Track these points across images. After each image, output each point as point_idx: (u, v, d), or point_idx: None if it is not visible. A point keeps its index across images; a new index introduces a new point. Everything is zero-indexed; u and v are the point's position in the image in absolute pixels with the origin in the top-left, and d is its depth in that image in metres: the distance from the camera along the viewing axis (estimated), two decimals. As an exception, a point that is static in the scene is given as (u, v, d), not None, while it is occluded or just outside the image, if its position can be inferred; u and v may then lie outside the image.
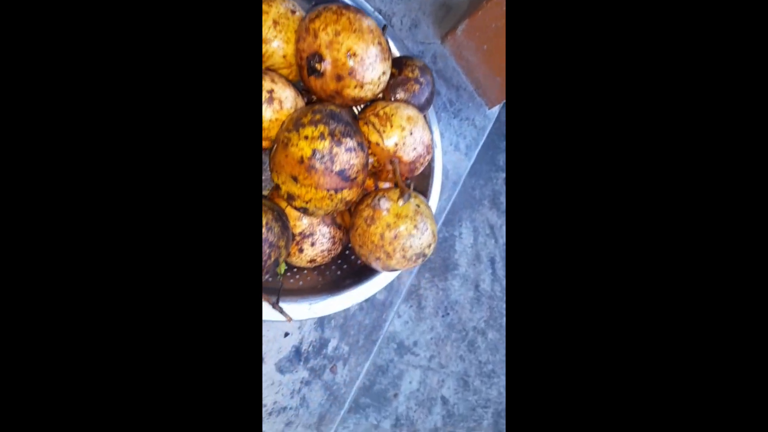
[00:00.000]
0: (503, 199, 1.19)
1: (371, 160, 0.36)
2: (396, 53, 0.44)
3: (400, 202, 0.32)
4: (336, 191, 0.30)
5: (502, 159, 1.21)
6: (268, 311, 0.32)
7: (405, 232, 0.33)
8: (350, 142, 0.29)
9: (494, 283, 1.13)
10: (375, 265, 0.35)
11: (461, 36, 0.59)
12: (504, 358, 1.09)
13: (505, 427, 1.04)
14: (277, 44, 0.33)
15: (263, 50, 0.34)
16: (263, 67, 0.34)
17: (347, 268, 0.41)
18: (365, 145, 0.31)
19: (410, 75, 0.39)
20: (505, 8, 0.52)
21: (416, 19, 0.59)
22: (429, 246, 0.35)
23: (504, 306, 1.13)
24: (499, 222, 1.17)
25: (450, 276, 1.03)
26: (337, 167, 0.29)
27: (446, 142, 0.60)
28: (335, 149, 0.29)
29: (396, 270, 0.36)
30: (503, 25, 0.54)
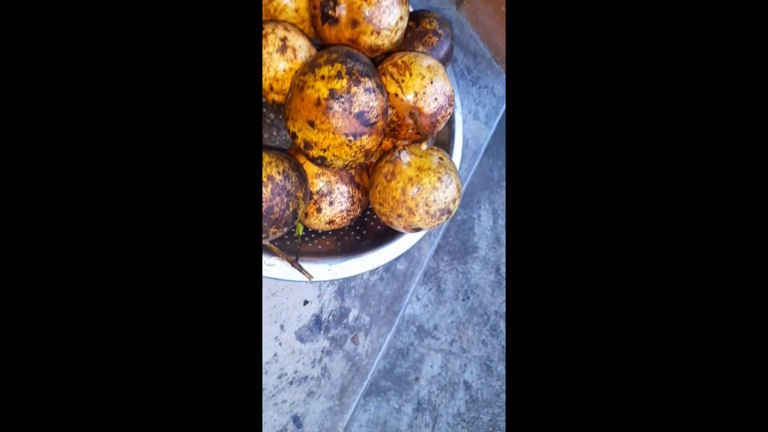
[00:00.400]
0: (523, 180, 1.15)
1: (390, 112, 0.34)
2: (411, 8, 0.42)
3: (424, 146, 0.30)
4: (355, 137, 0.28)
5: (520, 139, 1.16)
6: (286, 270, 0.31)
7: (429, 185, 0.31)
8: (369, 83, 0.28)
9: (515, 267, 1.09)
10: (397, 224, 0.33)
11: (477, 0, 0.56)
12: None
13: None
14: (288, -3, 0.32)
15: (275, 4, 0.32)
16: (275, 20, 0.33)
17: (366, 233, 0.39)
18: (385, 89, 0.30)
19: (428, 27, 0.37)
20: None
21: (430, -18, 0.57)
22: (454, 201, 0.33)
23: (526, 290, 1.10)
24: (519, 204, 1.14)
25: (470, 259, 1.00)
26: (356, 109, 0.27)
27: (465, 110, 0.58)
28: (354, 89, 0.27)
29: (420, 229, 0.34)
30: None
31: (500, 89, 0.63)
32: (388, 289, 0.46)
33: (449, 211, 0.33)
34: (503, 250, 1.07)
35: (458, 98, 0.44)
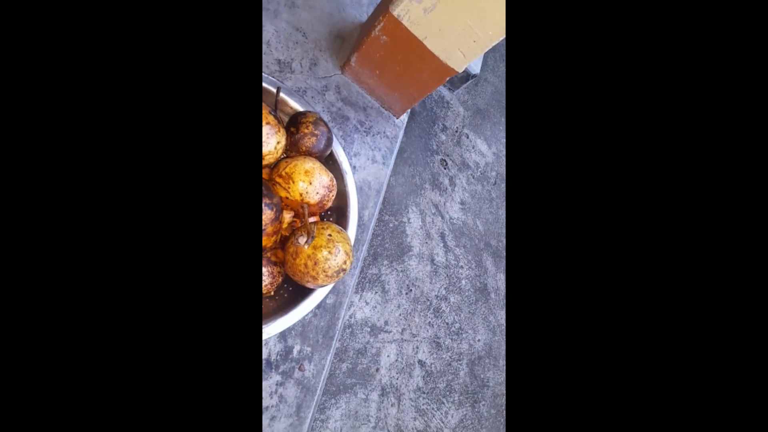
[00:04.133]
0: (442, 178, 1.32)
1: (282, 212, 0.46)
2: (295, 105, 0.53)
3: (305, 246, 0.43)
4: None
5: (434, 143, 1.32)
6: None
7: (322, 258, 0.44)
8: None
9: (447, 254, 1.28)
10: (308, 285, 0.46)
11: (356, 65, 0.68)
12: (468, 315, 1.26)
13: (480, 372, 1.22)
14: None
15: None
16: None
17: (293, 289, 0.51)
18: (276, 204, 0.41)
19: (306, 131, 0.48)
20: (383, 40, 0.61)
21: (314, 57, 0.67)
22: (345, 262, 0.46)
23: (460, 271, 1.29)
24: (442, 200, 1.31)
25: (406, 258, 1.16)
26: None
27: (363, 158, 0.70)
28: None
29: (325, 285, 0.47)
30: (385, 54, 0.63)
31: (391, 130, 0.76)
32: (323, 321, 0.59)
33: (343, 270, 0.46)
34: (434, 242, 1.24)
35: (347, 164, 0.56)
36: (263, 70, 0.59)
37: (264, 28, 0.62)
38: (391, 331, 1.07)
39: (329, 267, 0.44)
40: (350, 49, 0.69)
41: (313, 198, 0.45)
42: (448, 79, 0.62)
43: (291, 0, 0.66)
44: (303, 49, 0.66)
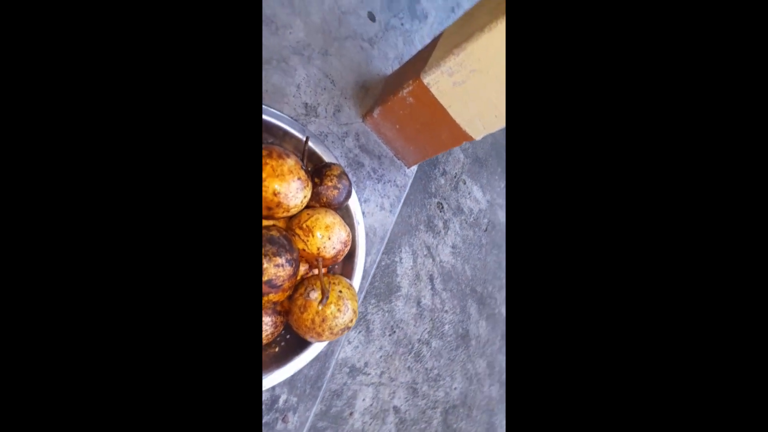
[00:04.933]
0: (437, 221, 1.35)
1: (299, 261, 0.46)
2: (321, 154, 0.55)
3: (319, 307, 0.42)
4: (264, 294, 0.40)
5: (433, 186, 1.36)
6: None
7: (330, 315, 0.44)
8: (280, 260, 0.39)
9: (434, 297, 1.28)
10: (311, 340, 0.45)
11: (377, 117, 0.71)
12: (448, 362, 1.25)
13: (453, 422, 1.20)
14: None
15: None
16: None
17: (290, 337, 0.50)
18: (295, 258, 0.41)
19: (329, 183, 0.49)
20: (409, 101, 0.64)
21: (339, 104, 0.70)
22: (351, 320, 0.46)
23: (445, 316, 1.29)
24: (435, 242, 1.33)
25: (394, 298, 1.15)
26: (265, 277, 0.39)
27: (372, 204, 0.71)
28: (266, 264, 0.38)
29: (327, 341, 0.46)
30: (408, 113, 0.66)
31: (401, 179, 0.78)
32: (312, 370, 0.58)
33: (348, 327, 0.46)
34: (422, 284, 1.25)
35: (360, 215, 0.57)
36: (291, 113, 0.61)
37: (296, 72, 0.64)
38: (369, 374, 1.05)
39: (336, 325, 0.44)
40: (374, 101, 0.72)
41: (329, 252, 0.45)
42: (463, 143, 0.65)
43: (325, 48, 0.69)
44: (330, 95, 0.68)
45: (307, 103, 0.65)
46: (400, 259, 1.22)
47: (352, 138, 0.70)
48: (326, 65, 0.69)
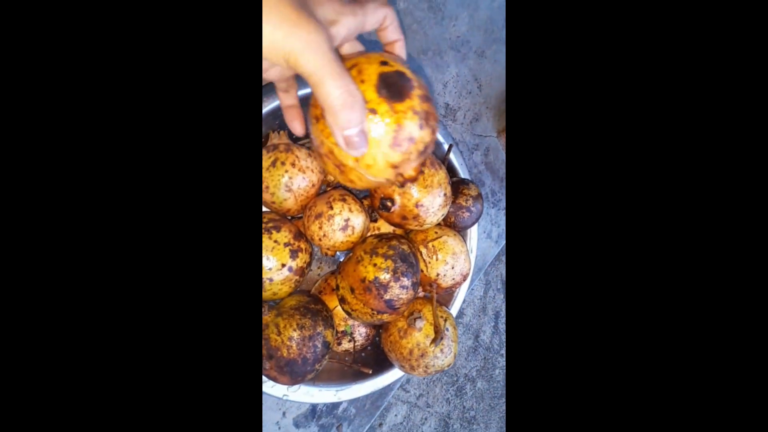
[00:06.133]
0: (521, 257, 1.23)
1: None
2: (457, 167, 0.49)
3: (432, 348, 0.37)
4: (379, 312, 0.35)
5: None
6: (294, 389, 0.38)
7: (431, 353, 0.38)
8: (406, 281, 0.34)
9: (494, 336, 1.17)
10: (396, 366, 0.41)
11: (517, 137, 0.62)
12: (487, 408, 1.14)
13: (473, 470, 1.10)
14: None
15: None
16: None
17: (371, 349, 0.46)
18: (418, 282, 0.36)
19: (463, 203, 0.43)
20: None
21: (478, 113, 0.63)
22: (448, 365, 0.40)
23: (499, 359, 1.18)
24: (512, 279, 1.21)
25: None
26: (387, 296, 0.34)
27: (480, 230, 0.64)
28: (392, 283, 0.34)
29: (414, 375, 0.41)
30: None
31: (517, 210, 0.69)
32: (377, 388, 0.53)
33: (443, 370, 0.40)
34: (486, 318, 1.15)
35: (475, 242, 0.51)
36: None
37: (448, 69, 0.59)
38: (409, 391, 1.00)
39: (433, 365, 0.38)
40: (518, 118, 0.64)
41: (447, 282, 0.40)
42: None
43: (482, 49, 0.62)
44: (473, 101, 0.62)
45: (448, 104, 0.59)
46: (472, 287, 1.13)
47: (481, 152, 0.63)
48: (478, 67, 0.62)
